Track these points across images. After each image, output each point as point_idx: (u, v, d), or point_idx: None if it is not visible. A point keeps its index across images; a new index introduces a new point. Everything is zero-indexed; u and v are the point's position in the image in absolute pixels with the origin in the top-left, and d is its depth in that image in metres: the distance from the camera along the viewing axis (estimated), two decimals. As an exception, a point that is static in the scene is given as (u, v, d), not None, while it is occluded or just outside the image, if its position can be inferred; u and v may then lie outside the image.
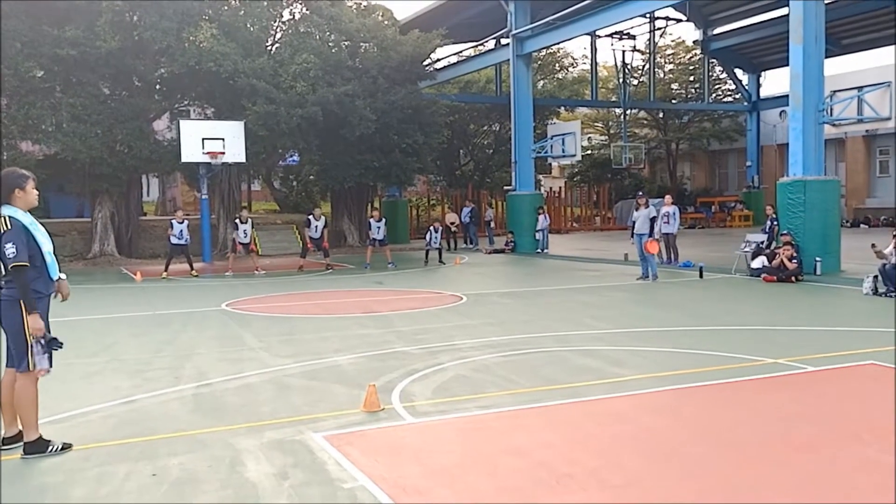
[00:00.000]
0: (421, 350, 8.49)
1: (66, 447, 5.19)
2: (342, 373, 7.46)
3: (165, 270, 18.02)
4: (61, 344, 5.21)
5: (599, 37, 33.38)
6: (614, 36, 33.89)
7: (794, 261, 14.54)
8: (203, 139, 21.01)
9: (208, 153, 20.98)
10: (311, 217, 19.78)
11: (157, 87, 24.47)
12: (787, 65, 15.83)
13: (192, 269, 18.42)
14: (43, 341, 5.08)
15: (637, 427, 5.49)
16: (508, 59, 25.50)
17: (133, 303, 13.38)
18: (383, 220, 20.35)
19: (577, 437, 5.28)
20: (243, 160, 21.83)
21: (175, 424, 5.77)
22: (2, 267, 5.05)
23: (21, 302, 5.03)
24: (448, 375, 7.25)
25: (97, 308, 12.34)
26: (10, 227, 5.01)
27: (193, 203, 35.51)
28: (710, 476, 4.51)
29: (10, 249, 4.95)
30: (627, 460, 4.77)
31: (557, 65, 41.39)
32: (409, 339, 9.22)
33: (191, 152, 20.99)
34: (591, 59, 35.31)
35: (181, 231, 18.32)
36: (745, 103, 38.14)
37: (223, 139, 21.13)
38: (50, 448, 5.13)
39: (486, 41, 29.32)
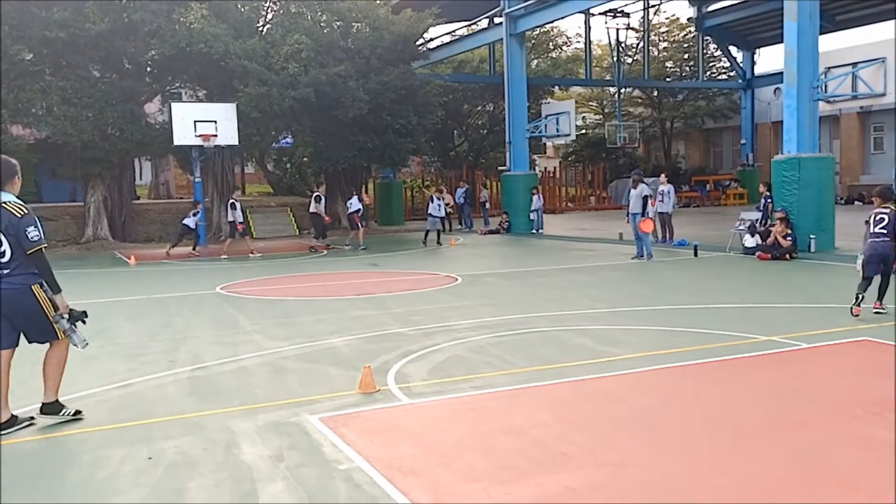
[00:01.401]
0: (416, 331, 8.50)
1: (77, 414, 5.44)
2: (337, 355, 7.47)
3: (174, 248, 19.28)
4: (86, 314, 5.48)
5: (593, 15, 33.17)
6: (608, 14, 33.67)
7: (788, 238, 14.57)
8: (195, 122, 20.84)
9: (200, 136, 20.83)
10: (319, 194, 20.30)
11: (148, 69, 24.28)
12: (782, 42, 15.76)
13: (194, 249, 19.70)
14: (67, 318, 5.31)
15: (632, 406, 5.52)
16: (502, 39, 25.34)
17: (127, 286, 13.35)
18: (355, 197, 20.77)
19: (573, 417, 5.30)
20: (236, 143, 21.69)
21: (170, 408, 5.78)
22: (8, 252, 5.10)
23: (31, 286, 5.19)
24: (443, 356, 7.26)
25: (91, 292, 12.30)
26: (27, 211, 5.20)
27: (186, 186, 35.42)
28: (705, 454, 4.54)
29: (33, 233, 5.13)
30: (622, 439, 4.79)
31: (551, 43, 41.10)
32: (404, 320, 9.23)
33: (183, 135, 20.84)
34: (585, 38, 35.10)
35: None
36: (740, 81, 38.03)
37: (215, 122, 20.96)
38: (63, 411, 5.38)
39: (479, 20, 29.12)
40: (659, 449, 4.61)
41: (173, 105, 21.66)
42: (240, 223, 19.24)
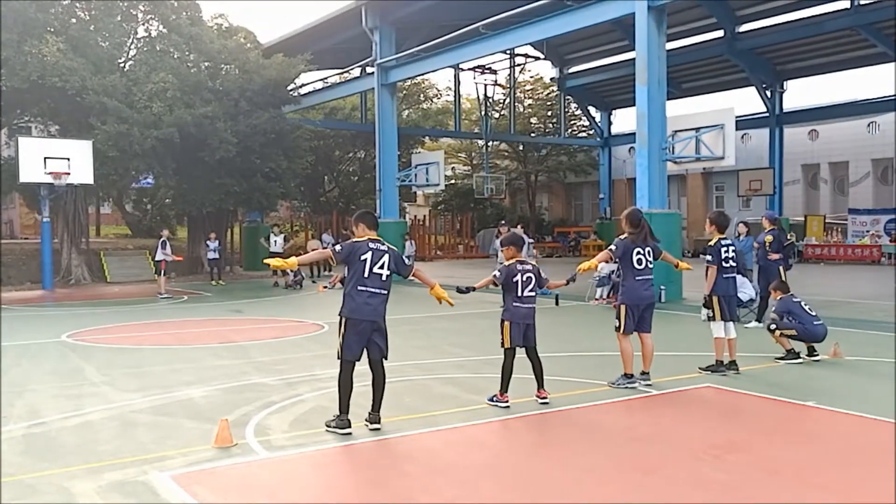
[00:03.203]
0: (279, 381, 8.25)
1: None
2: (194, 407, 7.10)
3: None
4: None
5: (462, 70, 34.29)
6: (476, 70, 34.91)
7: None
8: (45, 158, 19.62)
9: (51, 173, 19.60)
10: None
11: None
12: (634, 104, 16.89)
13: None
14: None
15: (496, 454, 5.57)
16: (373, 88, 25.63)
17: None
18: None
19: (437, 467, 5.28)
20: (91, 181, 20.56)
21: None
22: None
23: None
24: (307, 407, 7.08)
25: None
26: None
27: (33, 226, 33.06)
28: (570, 499, 4.63)
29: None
30: (486, 488, 4.82)
31: (422, 95, 42.11)
32: (267, 369, 8.94)
33: (31, 172, 19.54)
34: (455, 91, 36.17)
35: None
36: (598, 139, 40.32)
37: (68, 159, 19.83)
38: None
39: (352, 69, 29.36)
40: (521, 497, 4.66)
41: (21, 139, 20.31)
42: (171, 259, 19.24)
